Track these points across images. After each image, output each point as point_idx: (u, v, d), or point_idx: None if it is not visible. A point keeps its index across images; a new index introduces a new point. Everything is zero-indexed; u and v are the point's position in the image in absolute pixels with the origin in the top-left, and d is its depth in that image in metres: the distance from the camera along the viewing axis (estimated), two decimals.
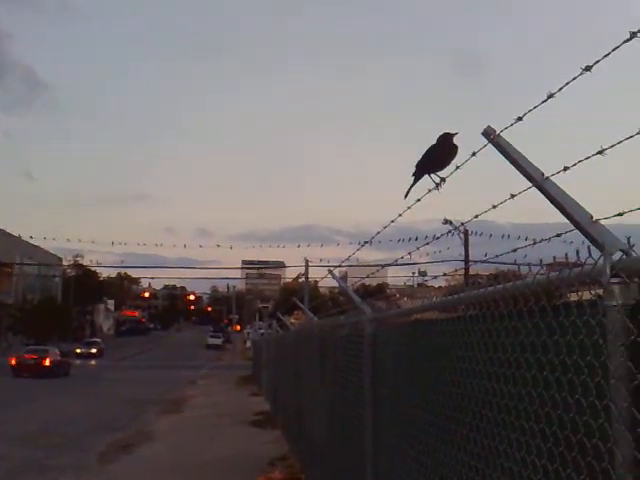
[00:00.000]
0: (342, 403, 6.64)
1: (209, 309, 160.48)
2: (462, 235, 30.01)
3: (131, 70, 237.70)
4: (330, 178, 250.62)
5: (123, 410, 20.03)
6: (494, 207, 2.56)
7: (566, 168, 1.98)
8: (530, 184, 2.11)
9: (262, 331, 34.50)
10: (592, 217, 1.97)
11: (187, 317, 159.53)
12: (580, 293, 2.10)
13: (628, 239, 1.87)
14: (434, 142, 3.39)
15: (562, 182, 2.00)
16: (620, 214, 1.93)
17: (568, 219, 2.02)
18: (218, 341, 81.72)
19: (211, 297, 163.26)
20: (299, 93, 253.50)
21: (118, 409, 20.34)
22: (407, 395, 4.22)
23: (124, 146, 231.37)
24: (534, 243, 2.47)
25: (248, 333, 75.16)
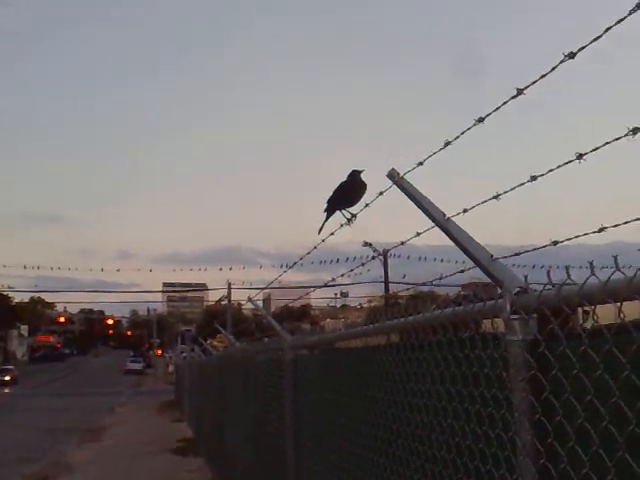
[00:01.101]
0: (264, 429, 6.60)
1: (129, 333, 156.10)
2: (382, 257, 30.50)
3: (41, 83, 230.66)
4: (252, 199, 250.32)
5: (39, 440, 19.16)
6: (402, 243, 2.64)
7: (465, 210, 2.08)
8: (433, 224, 2.19)
9: (184, 355, 33.79)
10: (492, 256, 2.06)
11: (106, 342, 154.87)
12: (484, 327, 2.18)
13: (525, 277, 1.96)
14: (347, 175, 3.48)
15: (464, 221, 2.09)
16: (517, 254, 2.02)
17: (469, 257, 2.11)
18: (138, 366, 79.56)
19: (130, 321, 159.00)
20: (221, 110, 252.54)
21: (34, 439, 19.43)
22: (328, 423, 4.23)
23: (37, 164, 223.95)
24: (440, 278, 2.56)
25: (170, 357, 73.54)
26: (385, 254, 30.67)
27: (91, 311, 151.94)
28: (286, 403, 5.27)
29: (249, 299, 7.07)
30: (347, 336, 3.88)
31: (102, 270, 68.82)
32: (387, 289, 33.32)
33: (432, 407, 2.55)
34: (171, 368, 60.80)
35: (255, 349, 7.91)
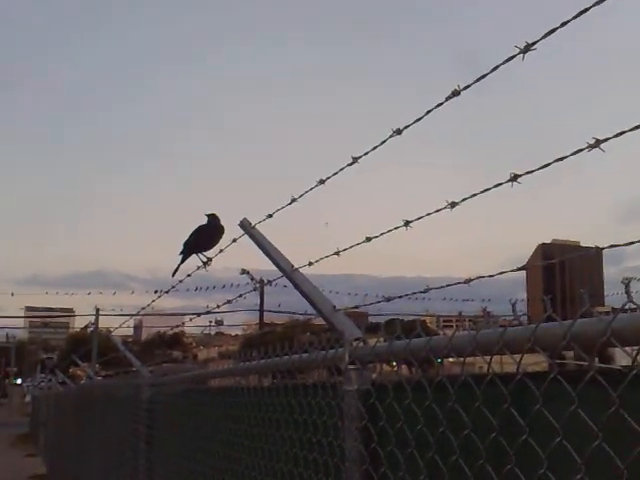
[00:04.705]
0: (119, 469, 6.33)
1: None
2: (258, 285, 30.52)
3: None
4: (124, 223, 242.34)
5: None
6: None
7: (310, 263, 2.15)
8: (281, 273, 2.23)
9: (42, 385, 31.92)
10: (335, 307, 2.12)
11: None
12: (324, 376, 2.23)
13: (361, 329, 2.03)
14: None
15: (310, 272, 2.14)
16: (356, 307, 2.11)
17: (313, 307, 2.16)
18: None
19: None
20: (83, 129, 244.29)
21: None
22: (180, 465, 4.13)
23: None
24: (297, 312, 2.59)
25: (28, 387, 69.17)
26: (262, 284, 30.74)
27: None
28: (140, 443, 5.10)
29: (109, 332, 6.83)
30: (203, 377, 3.84)
31: None
32: (262, 317, 33.38)
33: (276, 453, 2.55)
34: (28, 398, 57.18)
35: (113, 384, 7.62)
